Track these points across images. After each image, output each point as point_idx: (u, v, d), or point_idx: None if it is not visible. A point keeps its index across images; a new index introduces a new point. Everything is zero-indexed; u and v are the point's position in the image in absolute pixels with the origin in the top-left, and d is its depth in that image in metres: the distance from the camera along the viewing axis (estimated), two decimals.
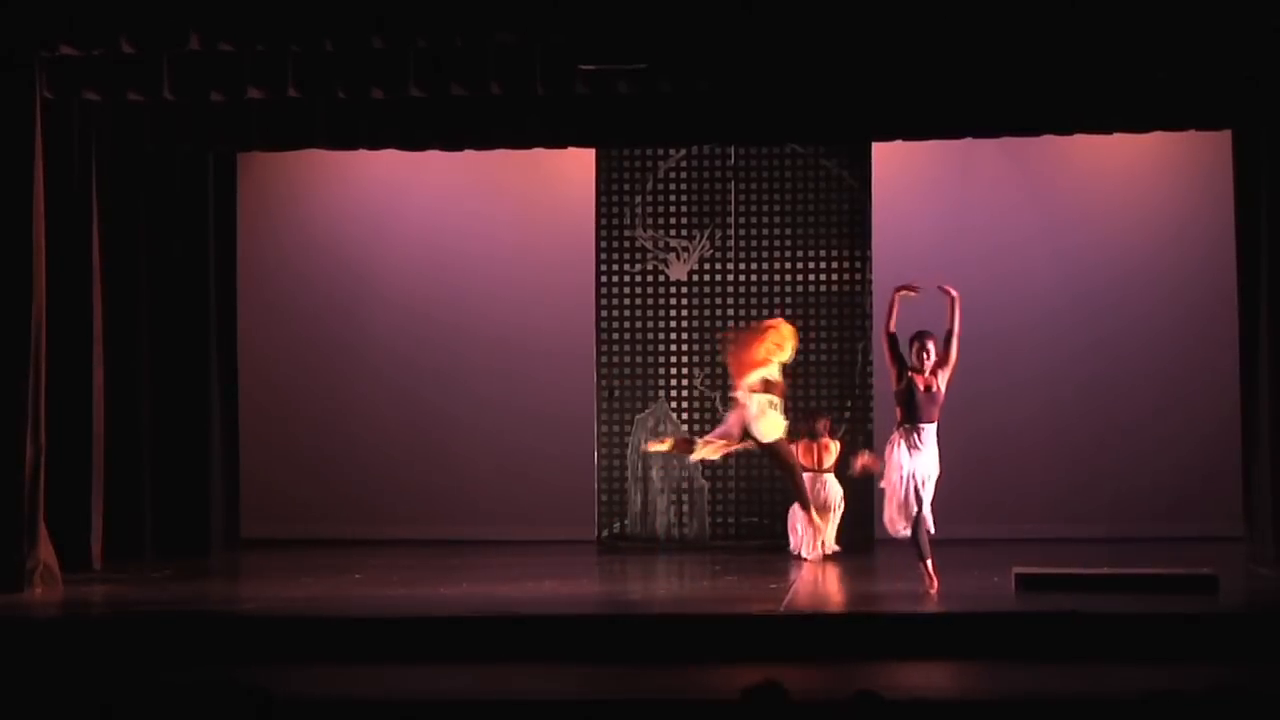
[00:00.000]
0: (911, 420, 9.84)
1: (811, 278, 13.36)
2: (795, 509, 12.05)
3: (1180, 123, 11.37)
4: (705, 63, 10.53)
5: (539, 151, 12.40)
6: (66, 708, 7.58)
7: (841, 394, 13.30)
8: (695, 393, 13.43)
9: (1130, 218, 13.33)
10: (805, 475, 12.11)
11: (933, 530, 9.83)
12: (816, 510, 11.88)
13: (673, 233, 13.49)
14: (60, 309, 10.83)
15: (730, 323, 13.35)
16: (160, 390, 12.35)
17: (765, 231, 13.40)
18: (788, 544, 12.20)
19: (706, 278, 13.45)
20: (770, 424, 11.02)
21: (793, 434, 12.30)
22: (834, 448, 12.23)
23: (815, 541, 11.92)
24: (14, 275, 10.28)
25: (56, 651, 8.77)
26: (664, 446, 11.66)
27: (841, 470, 12.17)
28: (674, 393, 13.44)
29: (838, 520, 12.13)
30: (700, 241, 13.46)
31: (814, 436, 12.25)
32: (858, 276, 13.31)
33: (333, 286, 13.71)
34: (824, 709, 6.97)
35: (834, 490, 12.14)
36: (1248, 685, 7.66)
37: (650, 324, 13.47)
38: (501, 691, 7.91)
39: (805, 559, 11.89)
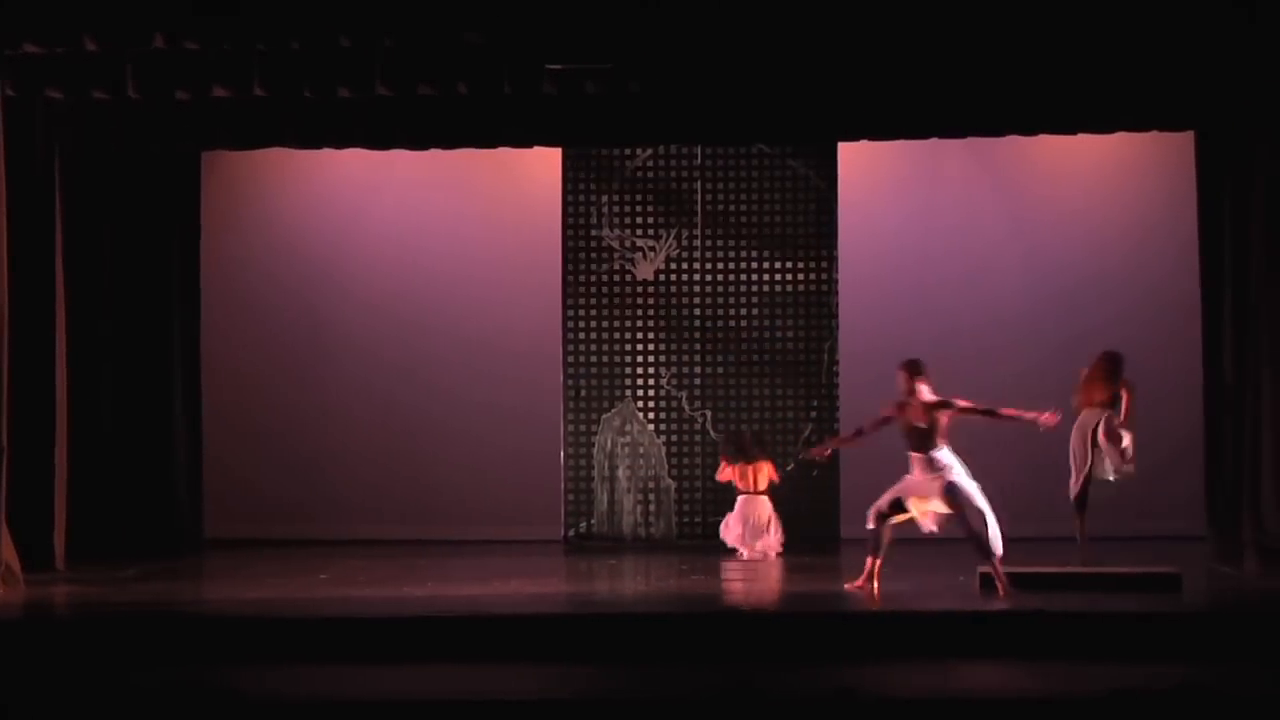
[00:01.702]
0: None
1: (778, 277, 13.39)
2: (733, 516, 12.10)
3: (1143, 124, 11.45)
4: (672, 63, 10.54)
5: (506, 151, 12.38)
6: (28, 709, 7.56)
7: (808, 394, 13.33)
8: (662, 392, 13.45)
9: (1097, 218, 13.39)
10: (740, 497, 12.10)
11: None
12: (750, 531, 11.91)
13: (639, 232, 13.50)
14: (23, 307, 10.77)
15: (697, 322, 13.37)
16: (123, 389, 12.31)
17: (732, 231, 13.42)
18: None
19: (673, 277, 13.47)
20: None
21: (729, 456, 12.26)
22: (766, 469, 12.20)
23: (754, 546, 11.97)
24: None
25: (18, 653, 8.71)
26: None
27: (774, 489, 12.17)
28: (640, 392, 13.45)
29: (773, 536, 12.08)
30: (667, 241, 13.47)
31: (749, 459, 12.21)
32: (824, 276, 13.35)
33: (298, 285, 13.66)
34: (797, 707, 7.00)
35: (767, 511, 12.11)
36: (1211, 683, 7.72)
37: (617, 323, 13.47)
38: (469, 691, 7.90)
39: (746, 557, 11.89)
